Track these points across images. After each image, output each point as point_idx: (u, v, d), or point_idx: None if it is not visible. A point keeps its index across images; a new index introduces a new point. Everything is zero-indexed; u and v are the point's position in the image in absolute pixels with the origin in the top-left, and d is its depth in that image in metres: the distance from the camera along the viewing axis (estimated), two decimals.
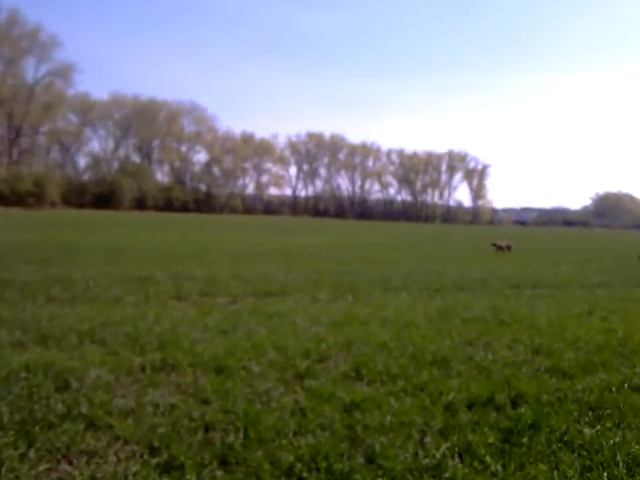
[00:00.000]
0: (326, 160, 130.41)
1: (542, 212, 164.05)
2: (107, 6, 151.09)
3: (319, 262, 18.44)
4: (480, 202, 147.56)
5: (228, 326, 7.47)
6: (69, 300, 9.14)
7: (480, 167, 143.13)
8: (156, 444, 4.01)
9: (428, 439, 4.33)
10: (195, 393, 5.02)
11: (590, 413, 5.01)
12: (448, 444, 4.24)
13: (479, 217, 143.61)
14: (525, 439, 4.40)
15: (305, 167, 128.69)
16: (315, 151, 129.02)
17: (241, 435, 4.22)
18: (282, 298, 10.36)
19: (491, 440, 4.35)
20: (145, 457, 3.84)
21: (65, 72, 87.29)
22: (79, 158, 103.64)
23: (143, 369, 5.57)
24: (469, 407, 5.01)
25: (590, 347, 7.23)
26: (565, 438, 4.49)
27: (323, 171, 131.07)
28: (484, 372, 5.99)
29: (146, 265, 14.73)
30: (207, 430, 4.34)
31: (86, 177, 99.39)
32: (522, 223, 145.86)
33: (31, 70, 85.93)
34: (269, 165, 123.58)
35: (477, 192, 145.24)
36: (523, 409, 4.98)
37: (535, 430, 4.57)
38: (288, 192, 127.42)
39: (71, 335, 6.65)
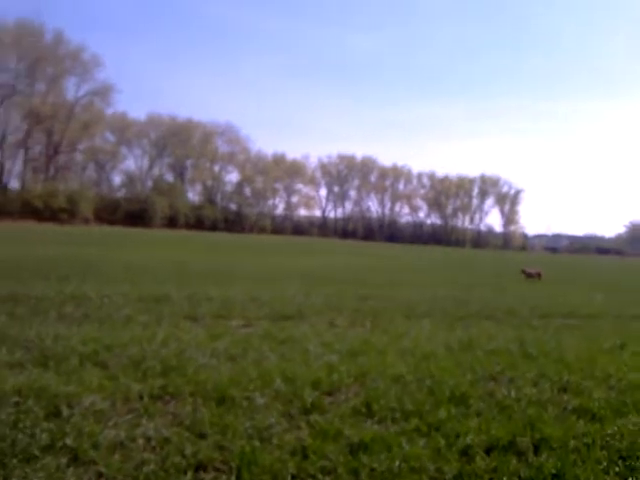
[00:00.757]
0: (356, 182, 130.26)
1: (574, 239, 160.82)
2: (148, 28, 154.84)
3: (342, 285, 18.06)
4: (511, 227, 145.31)
5: (237, 351, 7.15)
6: (79, 319, 8.96)
7: (512, 192, 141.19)
8: None
9: None
10: (192, 426, 4.71)
11: (621, 462, 4.55)
12: None
13: (510, 243, 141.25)
14: None
15: (335, 189, 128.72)
16: (346, 173, 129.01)
17: (233, 478, 3.88)
18: (298, 322, 10.02)
19: None
20: None
21: (105, 92, 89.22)
22: (114, 176, 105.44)
23: (141, 397, 5.28)
24: (487, 452, 4.59)
25: (622, 385, 6.70)
26: None
27: (353, 193, 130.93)
28: (506, 411, 5.54)
29: (165, 284, 14.56)
30: (198, 469, 4.02)
31: (120, 195, 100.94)
32: (554, 250, 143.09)
33: (72, 89, 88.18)
34: (299, 186, 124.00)
35: (509, 217, 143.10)
36: (546, 456, 4.55)
37: None
38: (318, 213, 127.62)
39: (73, 357, 6.42)
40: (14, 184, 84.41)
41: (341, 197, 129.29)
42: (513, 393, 6.18)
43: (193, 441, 4.41)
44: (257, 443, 4.42)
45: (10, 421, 4.49)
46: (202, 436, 4.53)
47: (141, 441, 4.35)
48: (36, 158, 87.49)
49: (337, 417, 5.10)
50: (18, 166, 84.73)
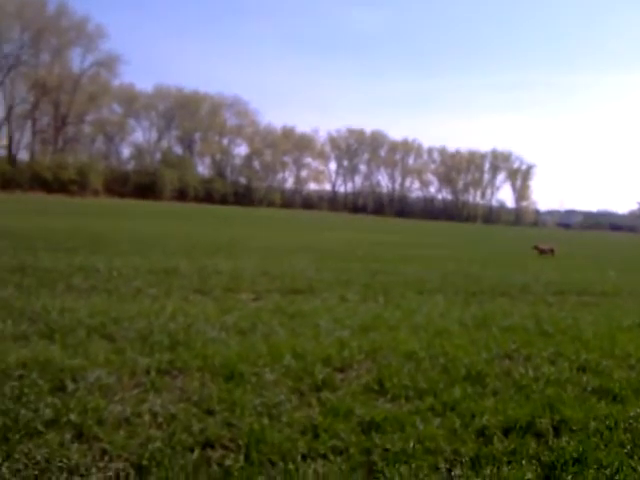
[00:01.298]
0: (366, 156, 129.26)
1: (587, 215, 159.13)
2: (157, 2, 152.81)
3: (352, 259, 17.89)
4: (523, 203, 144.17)
5: (246, 326, 7.00)
6: (87, 290, 8.85)
7: (524, 167, 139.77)
8: (145, 462, 3.57)
9: (457, 472, 3.77)
10: (199, 402, 4.56)
11: None
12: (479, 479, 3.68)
13: (522, 218, 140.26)
14: (569, 477, 3.80)
15: (345, 163, 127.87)
16: (355, 147, 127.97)
17: (242, 457, 3.74)
18: (308, 297, 9.86)
19: (529, 476, 3.77)
20: (130, 479, 3.40)
21: (110, 63, 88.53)
22: (123, 148, 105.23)
23: (148, 371, 5.14)
24: (505, 433, 4.42)
25: None
26: (616, 477, 3.87)
27: (363, 167, 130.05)
28: (523, 391, 5.36)
29: (175, 257, 14.44)
30: (205, 447, 3.88)
31: (129, 167, 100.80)
32: (566, 226, 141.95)
33: (77, 60, 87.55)
34: (309, 160, 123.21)
35: (520, 193, 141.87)
36: (567, 439, 4.37)
37: (581, 466, 3.96)
38: (327, 187, 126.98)
39: (80, 329, 6.29)
40: (23, 155, 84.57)
41: (351, 171, 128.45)
42: (531, 372, 6.00)
43: (200, 418, 4.27)
44: (266, 421, 4.27)
45: (14, 395, 4.37)
46: (210, 413, 4.39)
47: (147, 417, 4.22)
48: (44, 130, 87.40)
49: (348, 395, 4.94)
50: (26, 137, 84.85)
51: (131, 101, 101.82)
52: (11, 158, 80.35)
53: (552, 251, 27.48)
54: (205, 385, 4.93)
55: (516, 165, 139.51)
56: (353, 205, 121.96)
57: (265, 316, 7.67)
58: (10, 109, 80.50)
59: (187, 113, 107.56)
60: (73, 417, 4.06)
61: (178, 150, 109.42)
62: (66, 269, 10.72)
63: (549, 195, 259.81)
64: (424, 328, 7.60)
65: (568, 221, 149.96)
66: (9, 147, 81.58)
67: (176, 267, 11.89)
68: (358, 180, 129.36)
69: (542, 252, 27.12)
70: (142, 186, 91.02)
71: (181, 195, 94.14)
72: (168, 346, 5.89)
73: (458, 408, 4.80)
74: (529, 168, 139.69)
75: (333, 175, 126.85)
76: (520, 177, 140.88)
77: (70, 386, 4.66)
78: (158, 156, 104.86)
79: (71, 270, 10.63)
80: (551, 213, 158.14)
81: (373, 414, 4.50)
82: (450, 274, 14.75)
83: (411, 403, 4.89)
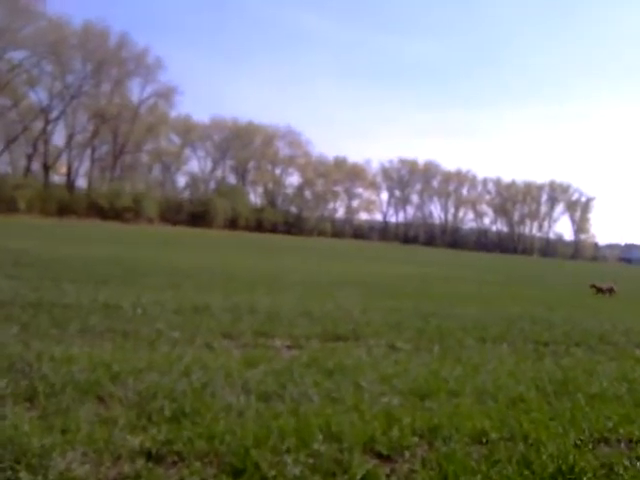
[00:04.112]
0: (419, 187, 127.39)
1: None
2: (213, 32, 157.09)
3: (404, 297, 16.44)
4: (582, 236, 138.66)
5: (273, 386, 5.74)
6: (102, 333, 7.79)
7: (584, 199, 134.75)
8: None
9: None
10: None
11: None
12: None
13: (580, 252, 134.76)
14: None
15: (397, 193, 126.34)
16: (408, 177, 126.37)
17: None
18: (352, 344, 8.53)
19: None
20: None
21: (168, 94, 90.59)
22: (179, 177, 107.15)
23: (133, 458, 3.94)
24: None
25: None
26: None
27: (415, 198, 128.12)
28: None
29: (210, 291, 13.39)
30: None
31: (184, 196, 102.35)
32: (628, 261, 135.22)
33: (136, 90, 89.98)
34: (360, 190, 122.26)
35: (580, 226, 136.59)
36: None
37: None
38: (378, 217, 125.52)
39: (70, 389, 5.18)
40: (81, 183, 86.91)
41: (403, 201, 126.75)
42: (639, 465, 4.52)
43: None
44: None
45: None
46: None
47: None
48: (103, 158, 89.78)
49: None
50: (85, 165, 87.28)
51: (188, 131, 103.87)
52: (70, 185, 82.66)
53: (611, 290, 25.02)
54: None
55: (575, 197, 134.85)
56: (404, 235, 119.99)
57: (298, 372, 6.39)
58: (70, 137, 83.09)
59: (241, 143, 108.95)
60: None
61: (232, 179, 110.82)
62: (88, 305, 9.77)
63: (608, 228, 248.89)
64: (492, 394, 6.16)
65: (630, 255, 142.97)
66: (68, 174, 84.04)
67: (208, 304, 10.77)
68: (410, 210, 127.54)
69: (600, 291, 24.79)
70: (195, 215, 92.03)
71: (232, 224, 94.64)
72: (170, 417, 4.68)
73: None
74: (588, 200, 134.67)
75: (385, 205, 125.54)
76: (579, 209, 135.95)
77: (26, 478, 3.51)
78: (212, 185, 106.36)
79: (93, 307, 9.67)
80: (611, 247, 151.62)
81: None
82: (514, 318, 13.11)
83: None
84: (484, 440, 4.80)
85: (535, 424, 5.25)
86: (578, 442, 4.98)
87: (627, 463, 4.64)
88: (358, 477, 3.91)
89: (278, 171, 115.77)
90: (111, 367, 5.88)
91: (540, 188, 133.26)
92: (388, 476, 4.06)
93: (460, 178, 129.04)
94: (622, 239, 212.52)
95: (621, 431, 5.38)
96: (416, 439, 4.69)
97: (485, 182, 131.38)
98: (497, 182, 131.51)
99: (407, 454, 4.43)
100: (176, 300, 11.17)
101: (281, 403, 5.30)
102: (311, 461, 4.09)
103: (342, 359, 7.23)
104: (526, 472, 4.27)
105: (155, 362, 6.32)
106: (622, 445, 5.11)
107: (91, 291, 11.49)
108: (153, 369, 6.03)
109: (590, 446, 4.96)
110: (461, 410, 5.46)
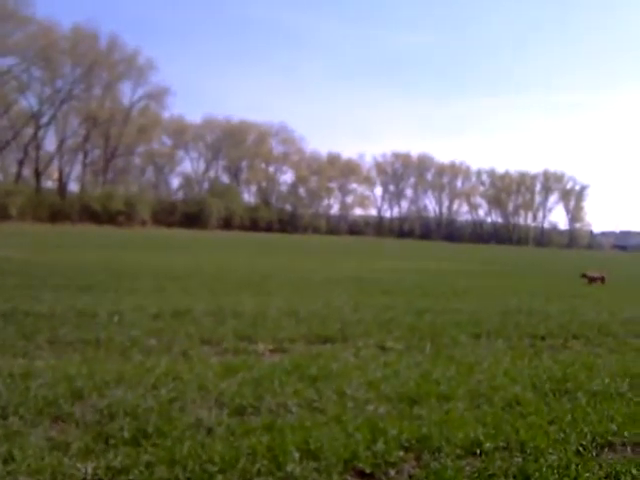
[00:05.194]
0: (413, 180, 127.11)
1: None
2: (203, 32, 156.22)
3: (397, 293, 16.02)
4: (577, 225, 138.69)
5: (250, 398, 5.29)
6: (72, 344, 7.34)
7: (578, 188, 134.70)
8: None
9: None
10: None
11: None
12: None
13: (576, 241, 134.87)
14: None
15: (391, 187, 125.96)
16: (402, 171, 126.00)
17: None
18: (340, 346, 8.09)
19: None
20: None
21: (160, 95, 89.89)
22: (172, 178, 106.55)
23: None
24: None
25: None
26: None
27: (409, 191, 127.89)
28: None
29: (195, 294, 12.94)
30: None
31: (178, 197, 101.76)
32: (623, 248, 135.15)
33: (128, 93, 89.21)
34: (354, 185, 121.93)
35: (574, 214, 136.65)
36: None
37: None
38: (373, 212, 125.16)
39: (25, 408, 4.73)
40: (74, 187, 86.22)
41: (397, 196, 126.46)
42: None
43: None
44: None
45: None
46: None
47: None
48: (95, 162, 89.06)
49: None
50: (77, 170, 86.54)
51: (180, 132, 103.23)
52: (62, 190, 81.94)
53: (602, 279, 24.63)
54: None
55: (569, 186, 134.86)
56: (400, 230, 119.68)
57: (279, 380, 5.94)
58: (62, 142, 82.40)
59: (234, 142, 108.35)
60: None
61: (225, 179, 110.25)
62: (63, 314, 9.29)
63: (604, 216, 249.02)
64: (487, 397, 5.73)
65: (625, 243, 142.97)
66: (60, 179, 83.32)
67: (189, 308, 10.31)
68: (404, 205, 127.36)
69: (592, 280, 24.39)
70: (189, 216, 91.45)
71: (227, 224, 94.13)
72: (129, 438, 4.24)
73: None
74: (583, 188, 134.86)
75: (379, 200, 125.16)
76: (574, 198, 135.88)
77: None
78: (206, 185, 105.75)
79: (67, 315, 9.20)
80: (606, 234, 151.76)
81: None
82: (510, 310, 12.70)
83: None
84: (477, 451, 4.38)
85: (533, 430, 4.83)
86: (580, 449, 4.57)
87: (635, 471, 4.24)
88: None
89: (272, 169, 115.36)
90: (74, 382, 5.43)
91: (534, 178, 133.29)
92: None
93: (454, 170, 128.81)
94: (617, 226, 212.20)
95: (626, 434, 4.97)
96: (402, 453, 4.26)
97: (479, 173, 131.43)
98: (491, 173, 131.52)
99: (392, 472, 4.00)
100: (157, 304, 10.71)
101: (256, 417, 4.86)
102: None
103: (327, 363, 6.79)
104: None
105: (124, 374, 5.87)
106: (628, 450, 4.71)
107: (69, 298, 11.02)
108: (121, 382, 5.59)
109: (593, 453, 4.56)
110: (453, 416, 5.03)
